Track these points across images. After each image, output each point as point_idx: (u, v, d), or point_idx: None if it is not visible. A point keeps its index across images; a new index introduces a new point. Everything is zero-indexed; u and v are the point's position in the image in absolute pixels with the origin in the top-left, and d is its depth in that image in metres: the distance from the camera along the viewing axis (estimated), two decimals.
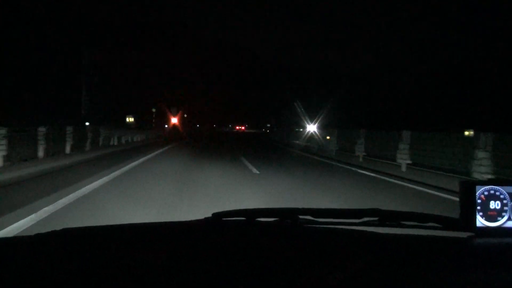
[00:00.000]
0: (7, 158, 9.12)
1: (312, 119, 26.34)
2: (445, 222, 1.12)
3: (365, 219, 1.17)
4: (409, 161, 11.29)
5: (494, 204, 1.07)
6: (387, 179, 9.38)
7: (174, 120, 39.49)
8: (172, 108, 40.49)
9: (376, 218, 1.16)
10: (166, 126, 36.45)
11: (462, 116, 26.64)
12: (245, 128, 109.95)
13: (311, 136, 21.82)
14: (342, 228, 1.16)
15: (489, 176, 7.85)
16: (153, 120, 32.46)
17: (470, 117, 25.44)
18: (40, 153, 10.92)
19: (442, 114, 27.97)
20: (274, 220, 1.21)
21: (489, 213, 1.06)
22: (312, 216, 1.20)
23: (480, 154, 8.73)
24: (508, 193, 1.07)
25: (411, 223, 1.15)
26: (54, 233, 1.07)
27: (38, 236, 1.05)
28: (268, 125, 55.84)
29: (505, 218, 1.06)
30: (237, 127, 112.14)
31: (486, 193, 1.07)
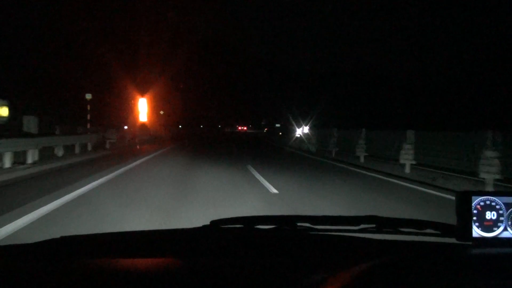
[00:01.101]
0: None
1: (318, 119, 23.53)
2: (443, 229, 1.13)
3: (363, 226, 1.17)
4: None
5: (490, 215, 1.06)
6: None
7: (143, 117, 24.93)
8: (141, 99, 25.97)
9: (373, 225, 1.16)
10: (126, 127, 21.75)
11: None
12: (247, 128, 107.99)
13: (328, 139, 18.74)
14: (339, 235, 1.17)
15: None
16: (88, 116, 17.42)
17: None
18: None
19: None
20: (272, 228, 1.19)
21: (485, 223, 1.06)
22: (310, 223, 1.20)
23: None
24: (504, 203, 1.06)
25: (409, 229, 1.16)
26: (52, 241, 1.06)
27: (36, 244, 1.04)
28: (277, 125, 44.55)
29: (501, 228, 1.06)
30: (239, 128, 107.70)
31: (482, 203, 1.06)
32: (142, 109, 25.77)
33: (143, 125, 25.47)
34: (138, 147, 20.29)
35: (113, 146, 18.33)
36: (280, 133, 36.19)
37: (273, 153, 20.19)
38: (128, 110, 25.36)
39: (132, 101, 25.22)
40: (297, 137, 25.60)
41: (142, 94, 26.46)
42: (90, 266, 0.90)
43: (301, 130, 24.05)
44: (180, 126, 49.91)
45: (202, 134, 52.76)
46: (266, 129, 62.48)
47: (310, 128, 23.33)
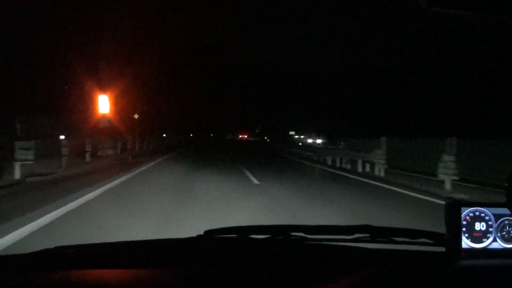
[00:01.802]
0: None
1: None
2: (436, 239, 1.11)
3: (357, 235, 1.15)
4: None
5: (479, 226, 1.04)
6: None
7: (104, 107, 16.76)
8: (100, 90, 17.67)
9: (367, 235, 1.15)
10: (62, 136, 13.29)
11: None
12: (248, 136, 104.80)
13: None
14: (333, 244, 1.16)
15: None
16: None
17: None
18: None
19: None
20: (266, 237, 1.18)
21: (474, 234, 1.03)
22: (304, 233, 1.18)
23: None
24: (493, 214, 1.04)
25: (403, 239, 1.14)
26: (46, 252, 1.04)
27: (30, 254, 1.02)
28: (291, 133, 38.96)
29: (490, 239, 1.04)
30: (240, 136, 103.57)
31: (471, 214, 1.04)
32: (103, 110, 17.55)
33: (101, 133, 17.12)
34: (76, 171, 12.00)
35: (28, 173, 10.03)
36: (300, 144, 28.49)
37: (324, 185, 12.08)
38: (83, 110, 17.22)
39: (87, 98, 17.14)
40: (330, 150, 17.80)
41: (106, 91, 18.41)
42: (84, 276, 0.89)
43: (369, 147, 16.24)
44: (164, 135, 41.41)
45: (194, 144, 43.69)
46: (266, 137, 59.24)
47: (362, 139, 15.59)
